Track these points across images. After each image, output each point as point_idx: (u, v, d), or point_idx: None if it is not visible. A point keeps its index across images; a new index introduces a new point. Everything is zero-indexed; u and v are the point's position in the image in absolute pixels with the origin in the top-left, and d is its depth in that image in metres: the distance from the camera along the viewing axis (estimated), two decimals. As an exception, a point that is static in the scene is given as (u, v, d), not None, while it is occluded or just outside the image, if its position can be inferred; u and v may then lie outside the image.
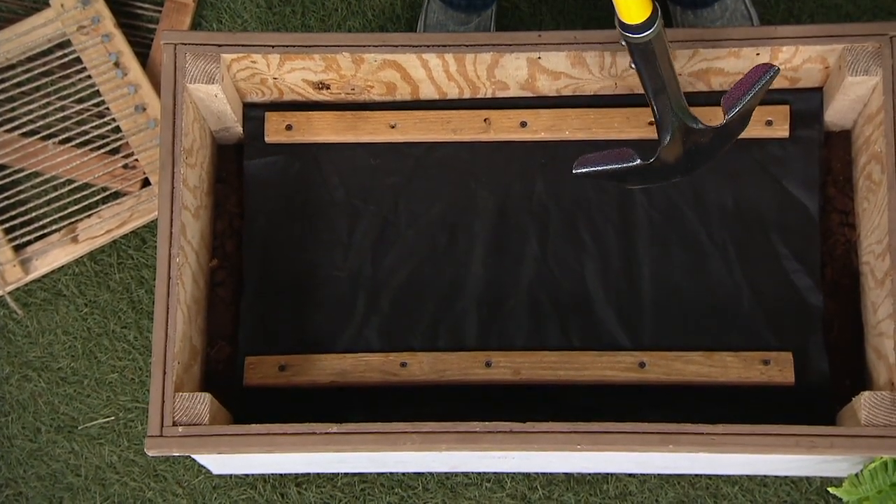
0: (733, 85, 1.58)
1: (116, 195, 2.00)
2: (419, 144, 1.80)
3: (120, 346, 1.95)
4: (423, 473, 1.88)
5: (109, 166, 2.00)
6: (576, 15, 2.06)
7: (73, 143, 2.01)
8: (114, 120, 2.01)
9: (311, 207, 1.79)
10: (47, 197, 2.00)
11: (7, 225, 1.97)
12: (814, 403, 1.69)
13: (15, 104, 2.03)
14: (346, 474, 1.89)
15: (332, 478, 1.89)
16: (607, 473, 1.87)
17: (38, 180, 2.01)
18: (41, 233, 1.98)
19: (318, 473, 1.89)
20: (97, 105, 2.03)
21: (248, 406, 1.73)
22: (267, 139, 1.80)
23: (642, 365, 1.71)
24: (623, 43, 1.51)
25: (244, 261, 1.79)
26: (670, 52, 1.52)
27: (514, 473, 1.88)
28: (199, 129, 1.75)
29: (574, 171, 1.59)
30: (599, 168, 1.59)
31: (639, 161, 1.58)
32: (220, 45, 1.70)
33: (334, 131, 1.80)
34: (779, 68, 1.58)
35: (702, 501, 1.86)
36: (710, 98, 1.78)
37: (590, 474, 1.87)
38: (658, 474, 1.87)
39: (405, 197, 1.79)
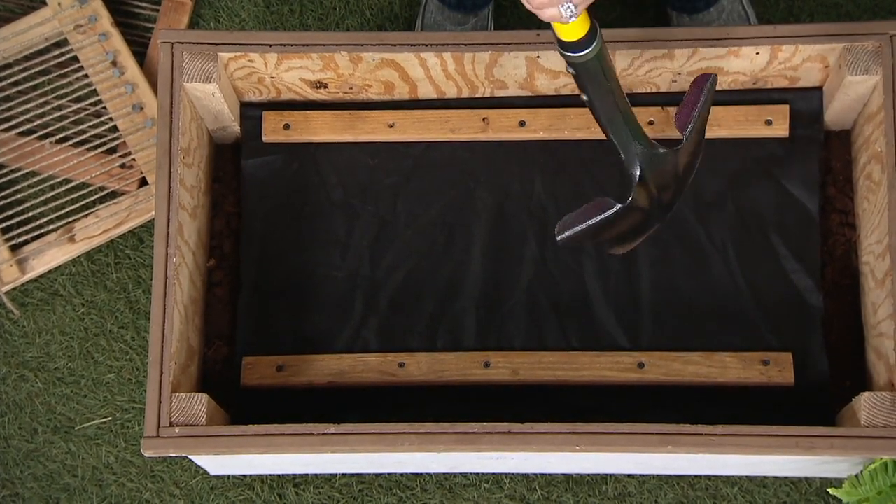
0: (680, 105, 1.56)
1: (114, 195, 2.00)
2: (417, 144, 1.80)
3: (117, 346, 1.95)
4: (421, 474, 1.88)
5: (106, 166, 1.99)
6: (575, 14, 2.05)
7: (70, 142, 2.01)
8: (111, 119, 2.00)
9: (309, 207, 1.79)
10: (44, 196, 1.99)
11: (4, 224, 1.97)
12: (813, 404, 1.69)
13: (12, 103, 2.02)
14: (344, 475, 1.88)
15: (329, 478, 1.88)
16: (606, 474, 1.87)
17: (34, 180, 2.00)
18: (38, 232, 1.97)
19: (315, 474, 1.88)
20: (94, 104, 2.02)
21: (246, 406, 1.72)
22: (264, 138, 1.80)
23: (641, 365, 1.70)
24: (568, 69, 1.46)
25: (241, 261, 1.78)
26: (617, 75, 1.47)
27: (512, 474, 1.87)
28: (197, 128, 1.74)
29: (558, 238, 1.53)
30: (583, 226, 1.52)
31: (618, 206, 1.52)
32: (217, 44, 1.69)
33: (332, 131, 1.79)
34: (716, 75, 1.57)
35: (701, 502, 1.85)
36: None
37: (589, 475, 1.87)
38: (657, 475, 1.87)
39: (403, 197, 1.79)
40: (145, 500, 1.89)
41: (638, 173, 1.51)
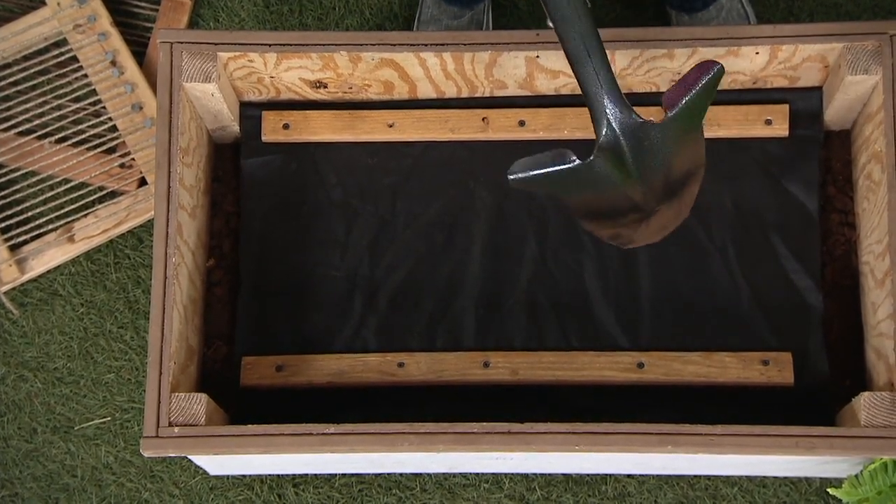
0: (674, 83, 1.45)
1: (113, 194, 1.99)
2: (417, 144, 1.80)
3: (116, 346, 1.95)
4: (420, 474, 1.88)
5: (106, 165, 1.99)
6: (574, 14, 2.05)
7: (70, 142, 2.01)
8: (110, 119, 2.00)
9: (309, 207, 1.79)
10: (43, 196, 1.99)
11: (3, 224, 1.96)
12: (813, 404, 1.68)
13: (11, 103, 2.02)
14: (343, 475, 1.88)
15: (329, 479, 1.88)
16: (606, 474, 1.86)
17: (34, 179, 2.00)
18: (37, 232, 1.97)
19: (315, 474, 1.88)
20: (94, 104, 2.02)
21: (245, 406, 1.72)
22: (264, 138, 1.80)
23: (641, 365, 1.70)
24: None
25: (241, 260, 1.78)
26: (590, 13, 1.36)
27: (512, 474, 1.87)
28: (196, 128, 1.74)
29: (509, 178, 1.44)
30: (535, 173, 1.42)
31: (575, 161, 1.41)
32: (216, 44, 1.69)
33: (332, 130, 1.79)
34: (722, 66, 1.44)
35: (701, 502, 1.85)
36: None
37: (588, 475, 1.87)
38: (657, 475, 1.86)
39: (403, 196, 1.79)
40: (144, 500, 1.89)
41: (604, 132, 1.41)
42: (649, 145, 1.45)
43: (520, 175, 1.44)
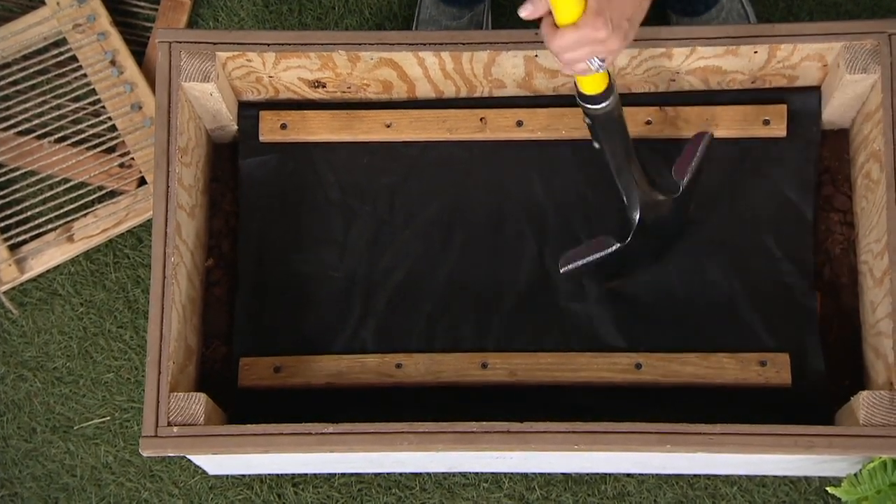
0: (680, 156, 1.64)
1: (112, 194, 1.99)
2: (415, 144, 1.79)
3: (116, 345, 1.95)
4: (420, 474, 1.88)
5: (105, 165, 1.99)
6: (573, 13, 2.05)
7: (69, 141, 2.01)
8: (109, 118, 2.00)
9: (307, 207, 1.79)
10: (43, 196, 1.99)
11: (2, 224, 1.97)
12: (812, 404, 1.68)
13: (10, 103, 2.02)
14: (343, 475, 1.88)
15: (328, 478, 1.88)
16: (605, 473, 1.86)
17: (33, 179, 2.00)
18: (36, 232, 1.97)
19: (314, 474, 1.88)
20: (93, 104, 2.02)
21: (244, 407, 1.72)
22: (262, 138, 1.80)
23: (638, 366, 1.70)
24: (585, 120, 1.53)
25: (239, 260, 1.78)
26: (627, 125, 1.55)
27: (511, 473, 1.87)
28: (195, 127, 1.74)
29: (561, 270, 1.66)
30: (584, 261, 1.65)
31: (617, 245, 1.63)
32: (215, 44, 1.69)
33: (330, 130, 1.79)
34: (712, 133, 1.66)
35: (700, 502, 1.85)
36: (709, 97, 1.77)
37: (588, 474, 1.87)
38: (656, 474, 1.86)
39: (401, 197, 1.79)
40: (144, 499, 1.89)
41: (637, 217, 1.61)
42: (666, 214, 1.65)
43: (570, 267, 1.66)
